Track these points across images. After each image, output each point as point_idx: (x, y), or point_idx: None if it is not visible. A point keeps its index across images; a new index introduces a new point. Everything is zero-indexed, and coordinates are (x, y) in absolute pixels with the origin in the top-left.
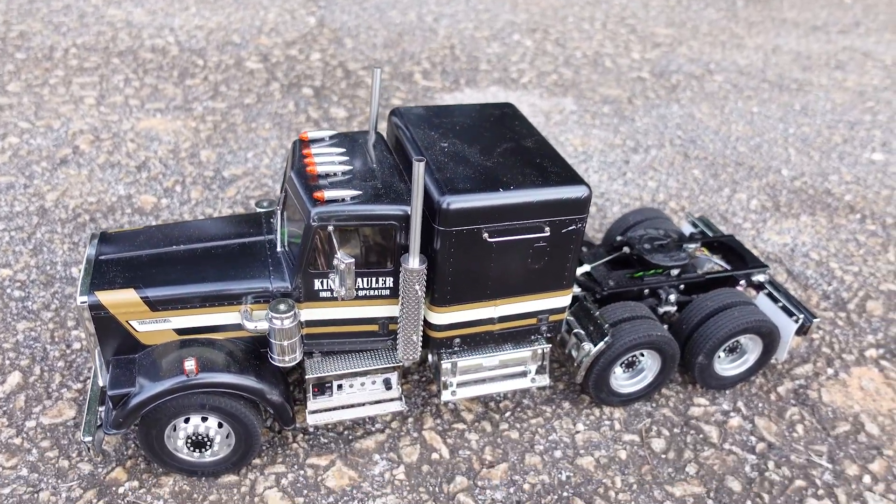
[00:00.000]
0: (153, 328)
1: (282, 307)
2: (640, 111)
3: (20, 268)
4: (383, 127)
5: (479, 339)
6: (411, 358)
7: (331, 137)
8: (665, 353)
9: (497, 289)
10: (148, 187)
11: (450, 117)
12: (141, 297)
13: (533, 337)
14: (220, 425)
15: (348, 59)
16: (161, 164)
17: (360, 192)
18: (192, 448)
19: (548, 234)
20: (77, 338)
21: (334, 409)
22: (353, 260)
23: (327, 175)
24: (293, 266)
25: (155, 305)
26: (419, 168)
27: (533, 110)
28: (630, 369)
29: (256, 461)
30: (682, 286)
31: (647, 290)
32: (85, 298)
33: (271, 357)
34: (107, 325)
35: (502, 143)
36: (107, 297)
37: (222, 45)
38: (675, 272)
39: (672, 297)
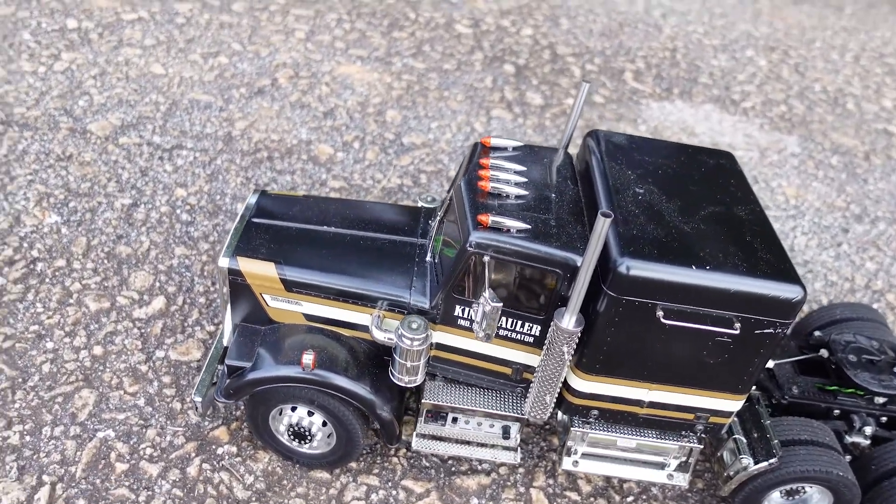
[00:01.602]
0: (284, 307)
1: (414, 325)
2: (876, 172)
3: (194, 191)
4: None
5: (619, 417)
6: (539, 418)
7: (514, 149)
8: (841, 496)
9: (656, 372)
10: (329, 137)
11: (654, 156)
12: (279, 275)
13: (684, 432)
14: (324, 423)
15: (559, 42)
16: (347, 116)
17: (530, 227)
18: (292, 437)
19: (737, 331)
20: None
21: (443, 439)
22: (501, 305)
23: (499, 195)
24: (438, 283)
25: (290, 286)
26: (603, 225)
27: (747, 143)
28: (790, 498)
29: (353, 464)
30: (884, 419)
31: (837, 411)
32: (226, 262)
33: (392, 372)
34: (241, 292)
35: (710, 204)
36: (247, 266)
37: (438, 1)
38: (880, 400)
39: (868, 430)
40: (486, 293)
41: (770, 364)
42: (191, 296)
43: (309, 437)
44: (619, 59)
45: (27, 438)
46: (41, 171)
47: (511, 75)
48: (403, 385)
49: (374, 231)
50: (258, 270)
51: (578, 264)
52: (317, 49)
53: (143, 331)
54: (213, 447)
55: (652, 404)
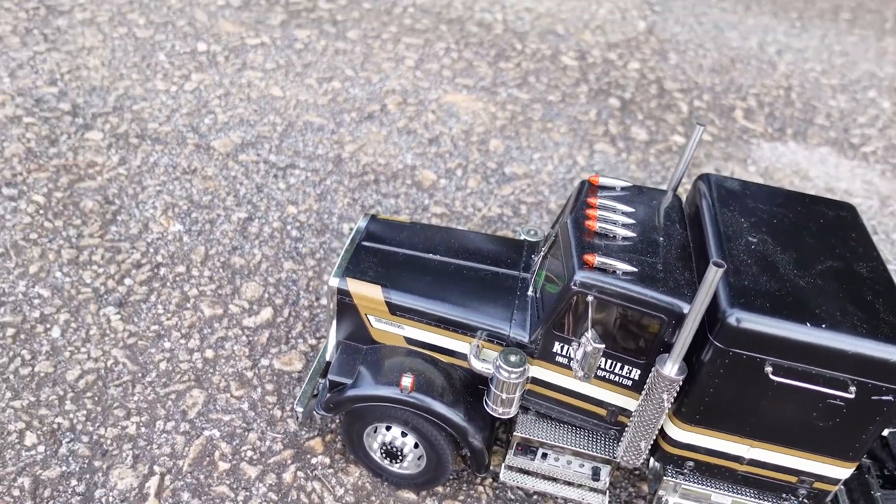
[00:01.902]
0: (387, 329)
1: (512, 359)
2: None
3: (304, 209)
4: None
5: (716, 471)
6: (631, 462)
7: (623, 189)
8: None
9: (760, 429)
10: (433, 163)
11: (769, 203)
12: (384, 298)
13: (785, 496)
14: (415, 445)
15: (667, 77)
16: (451, 143)
17: (636, 270)
18: (384, 455)
19: (852, 395)
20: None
21: (531, 473)
22: (603, 346)
23: (605, 235)
24: (538, 318)
25: (394, 309)
26: (715, 275)
27: (867, 190)
28: None
29: (439, 488)
30: None
31: None
32: (336, 282)
33: (486, 402)
34: (347, 311)
35: (828, 258)
36: (355, 287)
37: (545, 32)
38: None
39: None
40: (589, 333)
41: (885, 432)
42: (296, 309)
43: (400, 458)
44: (730, 97)
45: (142, 430)
46: (168, 183)
47: (616, 109)
48: (497, 416)
49: (477, 261)
50: (365, 292)
51: (685, 311)
52: (425, 77)
53: (250, 339)
54: (308, 456)
55: (752, 462)
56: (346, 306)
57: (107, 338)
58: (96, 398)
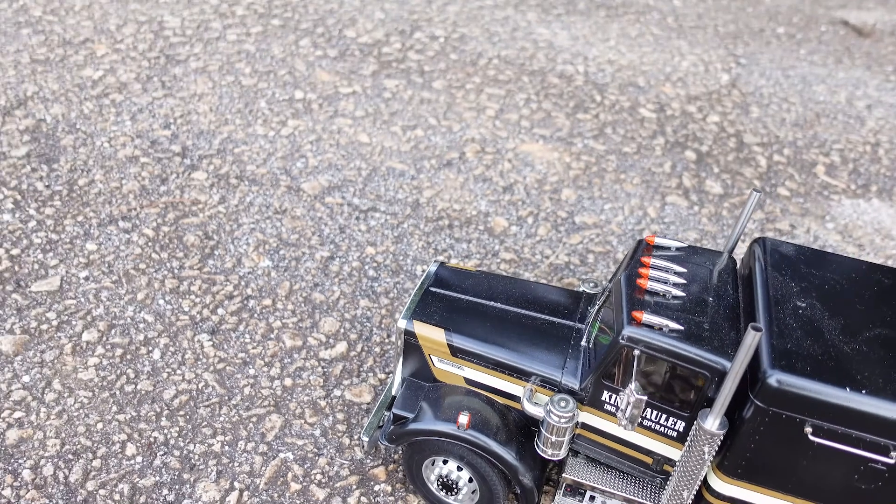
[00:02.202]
0: (448, 369)
1: (563, 404)
2: None
3: (382, 250)
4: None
5: None
6: None
7: (678, 249)
8: None
9: (801, 487)
10: (505, 210)
11: (822, 269)
12: (447, 341)
13: None
14: (470, 479)
15: (747, 130)
16: (524, 192)
17: (682, 328)
18: (440, 487)
19: (893, 460)
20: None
21: None
22: (645, 398)
23: (656, 293)
24: (589, 367)
25: (455, 352)
26: (753, 339)
27: None
28: None
29: None
30: None
31: None
32: (404, 323)
33: (537, 443)
34: (412, 351)
35: (878, 325)
36: (421, 329)
37: (625, 85)
38: None
39: None
40: (633, 385)
41: None
42: (368, 345)
43: (455, 490)
44: (812, 152)
45: (226, 448)
46: (261, 221)
47: (692, 162)
48: (547, 458)
49: (536, 310)
50: (430, 335)
51: (727, 370)
52: (504, 126)
53: (325, 370)
54: (372, 483)
55: None
56: (411, 346)
57: (199, 362)
58: (188, 416)
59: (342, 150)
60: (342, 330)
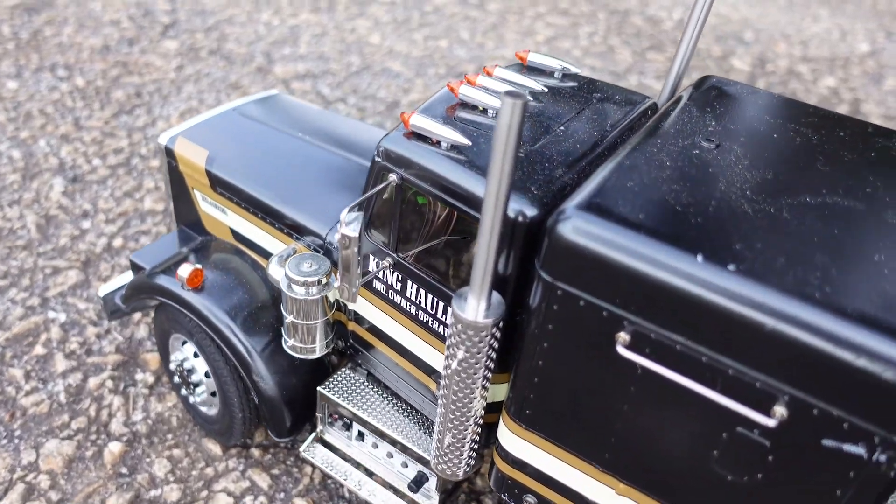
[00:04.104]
0: (213, 213)
1: (305, 266)
2: None
3: None
4: None
5: None
6: (444, 471)
7: (566, 75)
8: None
9: (622, 458)
10: None
11: (775, 114)
12: (206, 167)
13: None
14: (207, 374)
15: (869, 99)
16: None
17: (469, 144)
18: (179, 378)
19: (775, 422)
20: None
21: (343, 455)
22: (356, 235)
23: (473, 107)
24: None
25: (215, 183)
26: (512, 108)
27: None
28: None
29: (255, 452)
30: None
31: None
32: (165, 139)
33: (284, 338)
34: (178, 182)
35: (840, 195)
36: (182, 149)
37: (725, 37)
38: None
39: None
40: (343, 215)
41: None
42: None
43: (192, 386)
44: None
45: None
46: (206, 93)
47: None
48: (294, 354)
49: (346, 150)
50: (191, 157)
51: (521, 217)
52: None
53: None
54: (136, 369)
55: None
56: (175, 174)
57: (35, 204)
58: None
59: (341, 46)
60: None
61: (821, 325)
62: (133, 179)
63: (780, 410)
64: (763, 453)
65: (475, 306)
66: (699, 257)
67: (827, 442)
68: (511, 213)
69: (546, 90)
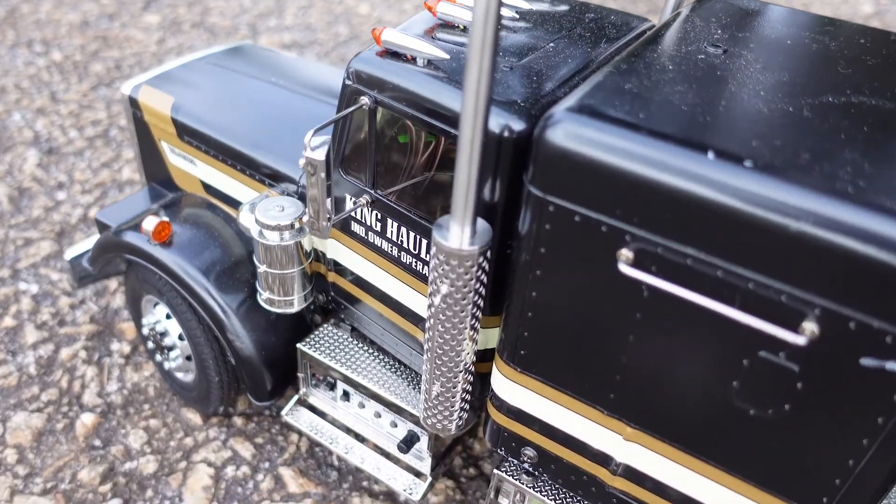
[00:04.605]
0: (181, 165)
1: (277, 210)
2: None
3: None
4: None
5: (573, 477)
6: (434, 425)
7: None
8: None
9: (635, 403)
10: None
11: (790, 27)
12: (172, 115)
13: None
14: (180, 337)
15: None
16: None
17: (447, 58)
18: (152, 343)
19: (805, 342)
20: None
21: (328, 418)
22: (321, 159)
23: (453, 27)
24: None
25: (182, 132)
26: (484, 8)
27: None
28: None
29: (238, 420)
30: None
31: None
32: (129, 88)
33: (259, 291)
34: (145, 135)
35: (862, 95)
36: (146, 97)
37: None
38: None
39: None
40: (308, 138)
41: None
42: None
43: (166, 350)
44: None
45: None
46: None
47: None
48: (270, 307)
49: (319, 94)
50: (156, 106)
51: (507, 131)
52: None
53: None
54: (111, 339)
55: (627, 471)
56: (142, 126)
57: (8, 177)
58: None
59: (329, 17)
60: None
61: (856, 224)
62: (111, 150)
63: (809, 327)
64: (791, 380)
65: (458, 233)
66: (710, 154)
67: (866, 360)
68: (496, 128)
69: (533, 10)
